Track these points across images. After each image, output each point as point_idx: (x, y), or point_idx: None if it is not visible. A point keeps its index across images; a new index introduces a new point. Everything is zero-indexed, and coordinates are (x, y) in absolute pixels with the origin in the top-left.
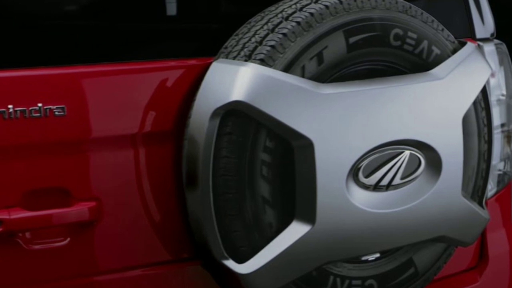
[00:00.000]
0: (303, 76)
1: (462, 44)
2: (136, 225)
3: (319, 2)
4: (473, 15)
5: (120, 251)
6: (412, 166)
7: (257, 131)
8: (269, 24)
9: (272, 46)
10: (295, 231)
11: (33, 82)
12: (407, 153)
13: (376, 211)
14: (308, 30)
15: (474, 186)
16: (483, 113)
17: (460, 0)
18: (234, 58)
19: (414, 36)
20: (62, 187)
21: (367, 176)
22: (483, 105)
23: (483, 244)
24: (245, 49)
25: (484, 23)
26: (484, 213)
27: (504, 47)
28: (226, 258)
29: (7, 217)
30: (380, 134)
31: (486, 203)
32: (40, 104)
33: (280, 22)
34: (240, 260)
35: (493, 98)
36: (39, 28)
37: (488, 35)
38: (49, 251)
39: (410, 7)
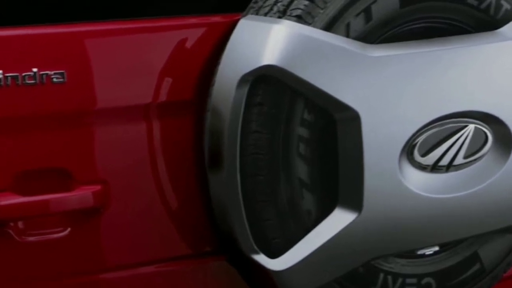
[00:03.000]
0: (347, 35)
1: None
2: (149, 213)
3: None
4: None
5: (131, 244)
6: (478, 143)
7: (293, 101)
8: None
9: (311, 0)
10: (338, 220)
11: (27, 43)
12: (471, 127)
13: (434, 196)
14: None
15: None
16: None
17: None
18: (265, 14)
19: None
20: (61, 168)
21: (423, 155)
22: None
23: None
24: (279, 4)
25: None
26: None
27: None
28: (256, 252)
29: None
30: (440, 105)
31: None
32: (35, 69)
33: None
34: (273, 254)
35: None
36: None
37: None
38: (46, 244)
39: None
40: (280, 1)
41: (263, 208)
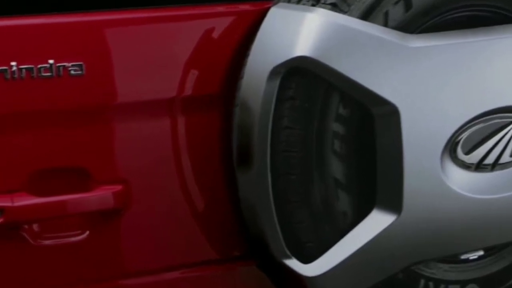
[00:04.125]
0: (386, 25)
1: None
2: (173, 215)
3: None
4: None
5: (154, 248)
6: None
7: (327, 95)
8: None
9: None
10: (376, 222)
11: (43, 33)
12: None
13: (478, 196)
14: None
15: None
16: None
17: None
18: (298, 2)
19: None
20: (79, 167)
21: (467, 153)
22: None
23: None
24: None
25: None
26: None
27: None
28: (288, 257)
29: (9, 204)
30: (485, 99)
31: None
32: (51, 61)
33: None
34: (306, 259)
35: None
36: None
37: None
38: (62, 248)
39: None
40: None
41: (295, 209)
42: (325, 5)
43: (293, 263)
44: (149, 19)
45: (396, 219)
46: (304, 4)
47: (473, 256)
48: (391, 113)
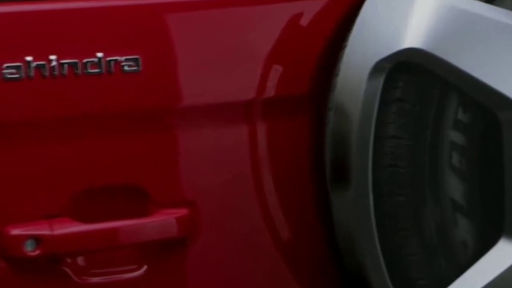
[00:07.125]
0: None
1: None
2: (251, 245)
3: None
4: None
5: (228, 285)
6: None
7: (443, 96)
8: None
9: None
10: (504, 254)
11: (89, 20)
12: None
13: None
14: None
15: None
16: None
17: None
18: None
19: None
20: (134, 185)
21: None
22: None
23: None
24: None
25: None
26: None
27: None
28: None
29: (48, 232)
30: None
31: None
32: (100, 54)
33: None
34: None
35: None
36: None
37: None
38: (113, 286)
39: None
40: None
41: (403, 238)
42: None
43: None
44: (222, 2)
45: None
46: None
47: None
48: None
